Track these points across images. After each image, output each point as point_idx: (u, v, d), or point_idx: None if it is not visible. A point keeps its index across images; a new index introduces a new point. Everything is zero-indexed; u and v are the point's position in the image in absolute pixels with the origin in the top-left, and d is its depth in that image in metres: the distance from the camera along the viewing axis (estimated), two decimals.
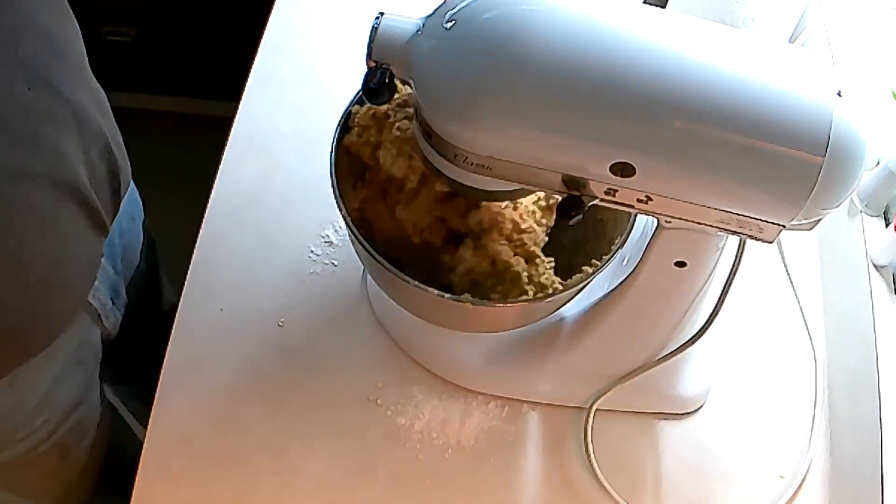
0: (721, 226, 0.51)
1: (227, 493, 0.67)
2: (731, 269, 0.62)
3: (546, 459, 0.70)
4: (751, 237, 0.52)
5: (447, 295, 0.57)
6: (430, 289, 0.57)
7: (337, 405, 0.72)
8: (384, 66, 0.49)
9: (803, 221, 0.49)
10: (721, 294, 0.63)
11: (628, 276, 0.62)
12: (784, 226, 0.49)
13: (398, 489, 0.68)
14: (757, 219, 0.49)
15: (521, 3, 0.45)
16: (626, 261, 0.64)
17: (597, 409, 0.71)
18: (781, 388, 0.76)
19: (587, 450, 0.70)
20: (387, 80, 0.49)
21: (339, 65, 0.92)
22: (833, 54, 0.85)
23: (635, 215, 0.61)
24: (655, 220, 0.57)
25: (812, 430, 0.73)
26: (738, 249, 0.61)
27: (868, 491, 0.64)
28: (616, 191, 0.48)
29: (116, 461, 0.88)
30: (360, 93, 0.63)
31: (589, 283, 0.60)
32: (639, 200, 0.49)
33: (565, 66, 0.44)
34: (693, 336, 0.67)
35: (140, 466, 0.67)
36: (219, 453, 0.69)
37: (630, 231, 0.60)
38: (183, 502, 0.67)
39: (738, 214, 0.49)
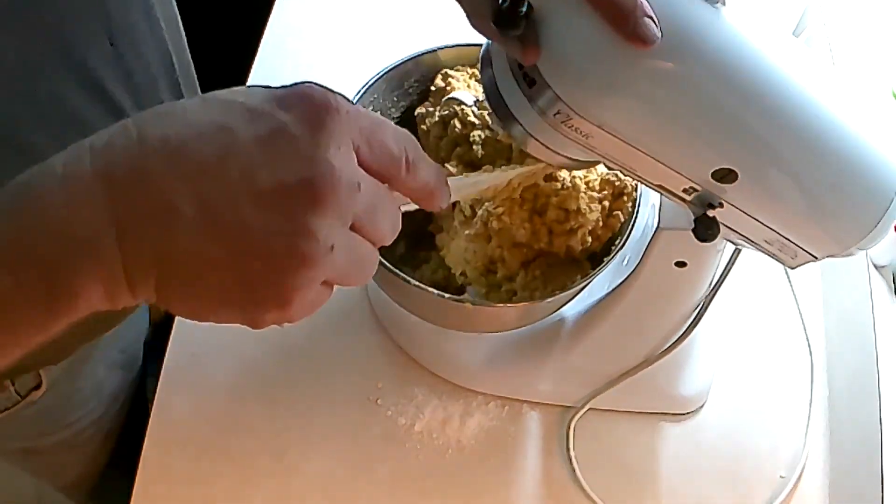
0: (763, 244, 0.51)
1: (227, 492, 0.67)
2: (724, 271, 0.63)
3: (546, 459, 0.70)
4: (777, 259, 0.52)
5: (447, 295, 0.57)
6: (430, 289, 0.57)
7: (337, 405, 0.72)
8: None
9: (837, 255, 0.51)
10: (710, 292, 0.64)
11: (628, 276, 0.62)
12: (817, 258, 0.51)
13: (398, 489, 0.68)
14: (799, 246, 0.50)
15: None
16: (626, 261, 0.64)
17: (598, 410, 0.71)
18: (781, 388, 0.75)
19: (567, 450, 0.70)
20: (522, 10, 0.43)
21: (339, 65, 0.92)
22: (833, 54, 0.85)
23: (635, 216, 0.61)
24: (656, 221, 0.57)
25: (807, 429, 0.73)
26: (734, 251, 0.61)
27: (868, 491, 0.64)
28: (697, 190, 0.48)
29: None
30: (365, 90, 0.63)
31: (589, 283, 0.60)
32: (710, 205, 0.49)
33: (725, 71, 0.44)
34: (682, 333, 0.67)
35: (140, 465, 0.67)
36: (219, 453, 0.69)
37: (630, 231, 0.60)
38: (183, 502, 0.67)
39: (787, 239, 0.50)
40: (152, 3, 0.58)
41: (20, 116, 0.49)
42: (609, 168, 0.55)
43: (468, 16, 0.46)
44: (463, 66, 0.66)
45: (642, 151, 0.46)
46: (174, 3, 0.65)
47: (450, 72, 0.65)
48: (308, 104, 0.35)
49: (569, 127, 0.45)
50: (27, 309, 0.34)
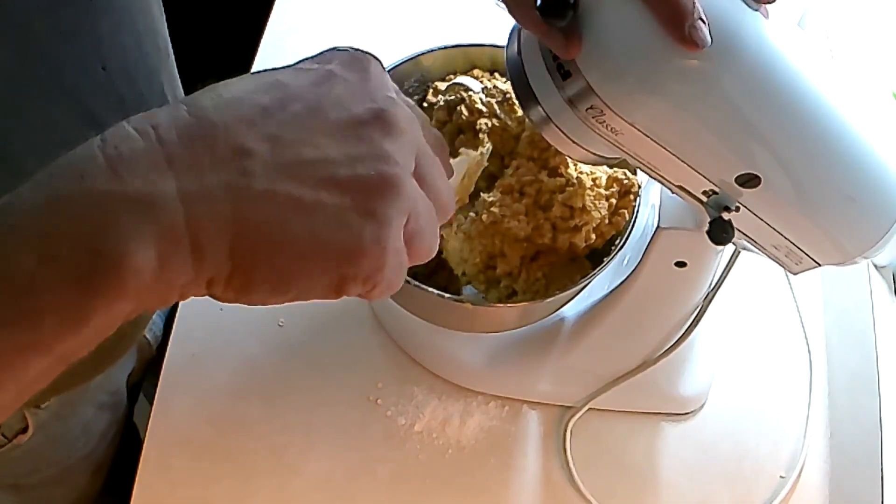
0: (770, 249, 0.51)
1: (227, 492, 0.67)
2: (724, 271, 0.63)
3: (546, 459, 0.70)
4: (780, 263, 0.53)
5: (447, 295, 0.57)
6: (430, 289, 0.57)
7: (337, 405, 0.72)
8: None
9: (840, 264, 0.51)
10: (710, 292, 0.64)
11: (628, 276, 0.62)
12: (820, 265, 0.51)
13: (398, 489, 0.68)
14: (806, 253, 0.50)
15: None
16: (626, 261, 0.64)
17: (597, 410, 0.71)
18: (781, 388, 0.75)
19: (564, 451, 0.70)
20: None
21: None
22: (833, 54, 0.85)
23: (635, 216, 0.61)
24: (655, 221, 0.57)
25: (807, 429, 0.73)
26: (734, 252, 0.61)
27: (868, 491, 0.64)
28: (716, 192, 0.48)
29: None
30: None
31: (589, 283, 0.60)
32: (726, 208, 0.49)
33: (763, 78, 0.44)
34: (682, 334, 0.67)
35: (140, 466, 0.67)
36: (219, 453, 0.69)
37: (630, 231, 0.60)
38: (183, 502, 0.67)
39: (796, 246, 0.50)
40: (140, 29, 0.57)
41: (11, 136, 0.48)
42: (630, 165, 0.54)
43: (509, 6, 0.45)
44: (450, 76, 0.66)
45: (670, 152, 0.46)
46: (165, 28, 0.64)
47: (439, 85, 0.65)
48: (344, 54, 0.35)
49: (600, 122, 0.45)
50: (55, 292, 0.28)
